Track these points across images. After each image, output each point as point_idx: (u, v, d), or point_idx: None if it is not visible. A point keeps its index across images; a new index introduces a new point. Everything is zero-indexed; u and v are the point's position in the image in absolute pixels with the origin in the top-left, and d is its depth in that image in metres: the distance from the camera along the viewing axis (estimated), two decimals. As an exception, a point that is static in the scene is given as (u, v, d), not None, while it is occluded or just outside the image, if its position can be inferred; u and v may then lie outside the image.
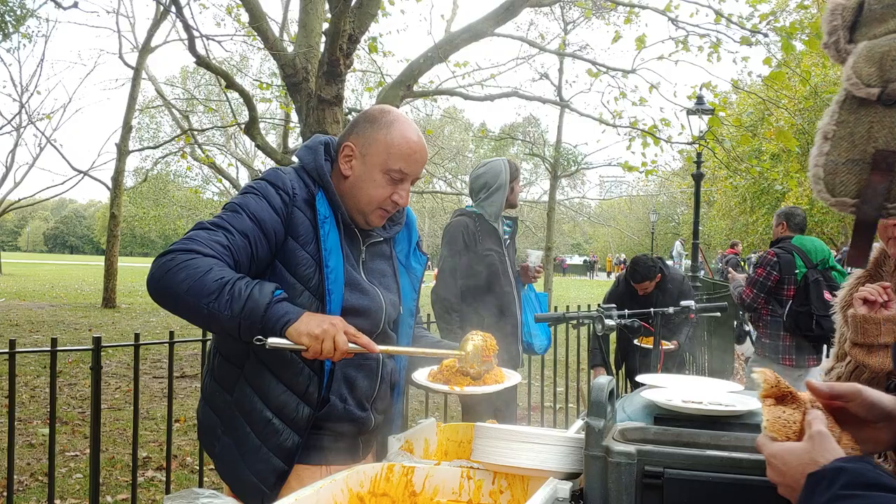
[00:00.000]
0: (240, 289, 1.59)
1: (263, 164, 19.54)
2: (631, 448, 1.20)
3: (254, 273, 1.73)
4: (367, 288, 1.83)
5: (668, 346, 4.44)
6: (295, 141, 12.75)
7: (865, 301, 1.85)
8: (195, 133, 16.48)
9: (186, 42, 6.48)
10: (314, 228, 1.76)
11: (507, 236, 4.01)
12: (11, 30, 15.70)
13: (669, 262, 5.31)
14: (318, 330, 1.57)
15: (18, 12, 15.61)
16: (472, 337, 1.75)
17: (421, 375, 1.81)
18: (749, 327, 6.03)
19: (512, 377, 1.78)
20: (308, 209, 1.77)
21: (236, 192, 1.85)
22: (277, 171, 1.81)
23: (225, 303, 1.58)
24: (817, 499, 0.85)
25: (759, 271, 5.03)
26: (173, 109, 18.64)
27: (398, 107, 7.23)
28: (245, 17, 8.29)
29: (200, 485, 3.77)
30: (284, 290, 1.72)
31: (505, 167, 3.93)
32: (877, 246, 2.03)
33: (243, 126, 7.90)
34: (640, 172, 10.93)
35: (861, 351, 1.83)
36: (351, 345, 1.61)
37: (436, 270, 4.13)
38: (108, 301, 16.91)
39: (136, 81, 17.50)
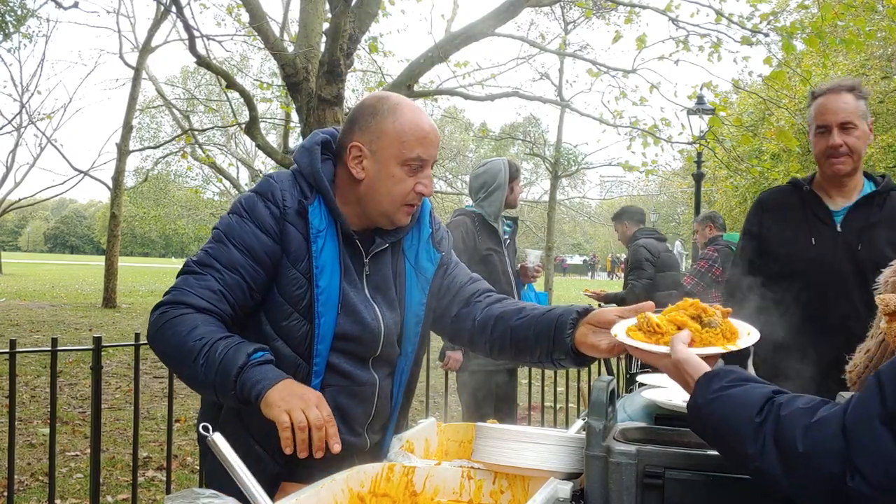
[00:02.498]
0: (216, 351, 1.47)
1: (264, 163, 19.55)
2: (631, 448, 1.20)
3: (256, 302, 1.63)
4: (365, 311, 1.66)
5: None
6: (295, 141, 12.74)
7: None
8: (196, 133, 16.47)
9: (187, 42, 6.48)
10: (306, 243, 1.61)
11: (507, 236, 4.01)
12: (12, 30, 15.71)
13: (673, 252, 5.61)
14: (291, 402, 1.42)
15: (19, 12, 15.61)
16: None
17: (620, 328, 1.42)
18: None
19: (749, 335, 1.38)
20: (301, 222, 1.61)
21: (237, 193, 1.80)
22: (269, 181, 1.66)
23: (200, 367, 1.48)
24: (713, 386, 1.14)
25: (701, 263, 5.91)
26: (174, 109, 18.65)
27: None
28: (245, 17, 8.28)
29: (201, 485, 3.77)
30: (274, 314, 1.62)
31: (504, 167, 3.94)
32: None
33: (244, 126, 7.90)
34: (641, 172, 10.96)
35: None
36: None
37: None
38: (109, 301, 16.91)
39: (136, 81, 17.51)
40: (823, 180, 2.52)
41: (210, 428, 1.32)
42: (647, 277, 5.55)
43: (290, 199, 1.62)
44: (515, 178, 4.03)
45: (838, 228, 2.44)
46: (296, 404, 1.42)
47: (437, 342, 4.17)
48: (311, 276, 1.59)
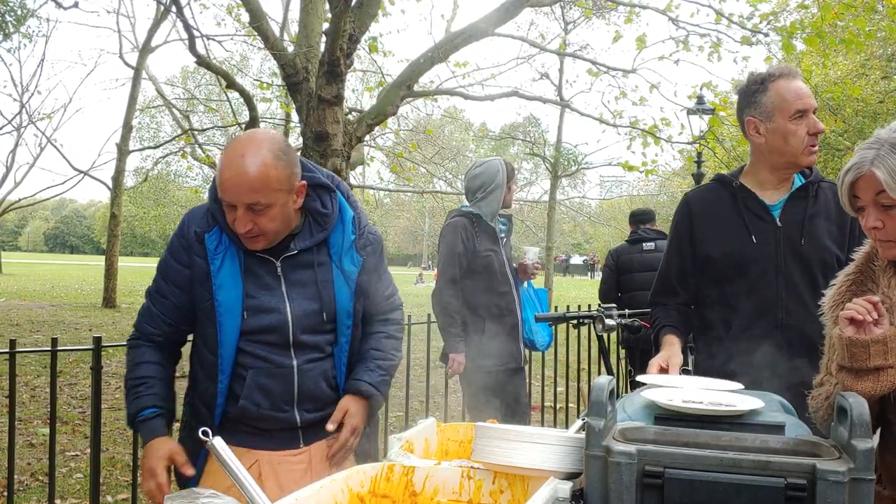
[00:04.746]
0: (129, 398, 1.94)
1: (264, 163, 19.45)
2: (631, 448, 1.20)
3: (191, 316, 1.98)
4: (272, 307, 1.91)
5: None
6: (295, 141, 12.73)
7: (852, 321, 1.61)
8: (195, 133, 16.47)
9: (187, 42, 6.47)
10: (207, 264, 1.90)
11: (503, 234, 4.01)
12: (12, 30, 15.69)
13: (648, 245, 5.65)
14: (144, 473, 1.87)
15: (19, 12, 15.60)
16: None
17: None
18: None
19: None
20: (200, 248, 1.91)
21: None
22: (184, 218, 1.97)
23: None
24: None
25: None
26: (174, 109, 18.63)
27: (398, 106, 7.22)
28: (245, 17, 8.27)
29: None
30: (199, 322, 1.95)
31: (502, 167, 3.93)
32: (868, 241, 1.83)
33: (244, 126, 7.90)
34: (641, 172, 10.92)
35: (849, 376, 1.62)
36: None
37: (435, 271, 4.11)
38: (109, 301, 16.91)
39: (136, 81, 17.51)
40: (770, 171, 2.34)
41: (209, 432, 1.44)
42: (603, 282, 5.80)
43: (191, 231, 1.93)
44: (512, 177, 4.02)
45: (778, 223, 2.30)
46: (145, 477, 1.86)
47: (437, 342, 4.16)
48: (212, 291, 1.90)
